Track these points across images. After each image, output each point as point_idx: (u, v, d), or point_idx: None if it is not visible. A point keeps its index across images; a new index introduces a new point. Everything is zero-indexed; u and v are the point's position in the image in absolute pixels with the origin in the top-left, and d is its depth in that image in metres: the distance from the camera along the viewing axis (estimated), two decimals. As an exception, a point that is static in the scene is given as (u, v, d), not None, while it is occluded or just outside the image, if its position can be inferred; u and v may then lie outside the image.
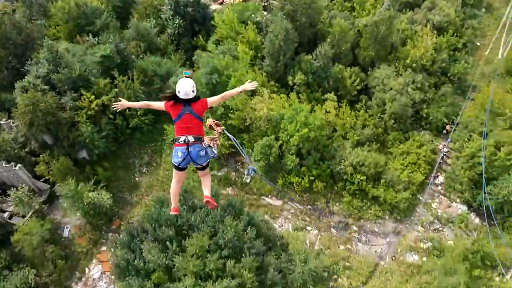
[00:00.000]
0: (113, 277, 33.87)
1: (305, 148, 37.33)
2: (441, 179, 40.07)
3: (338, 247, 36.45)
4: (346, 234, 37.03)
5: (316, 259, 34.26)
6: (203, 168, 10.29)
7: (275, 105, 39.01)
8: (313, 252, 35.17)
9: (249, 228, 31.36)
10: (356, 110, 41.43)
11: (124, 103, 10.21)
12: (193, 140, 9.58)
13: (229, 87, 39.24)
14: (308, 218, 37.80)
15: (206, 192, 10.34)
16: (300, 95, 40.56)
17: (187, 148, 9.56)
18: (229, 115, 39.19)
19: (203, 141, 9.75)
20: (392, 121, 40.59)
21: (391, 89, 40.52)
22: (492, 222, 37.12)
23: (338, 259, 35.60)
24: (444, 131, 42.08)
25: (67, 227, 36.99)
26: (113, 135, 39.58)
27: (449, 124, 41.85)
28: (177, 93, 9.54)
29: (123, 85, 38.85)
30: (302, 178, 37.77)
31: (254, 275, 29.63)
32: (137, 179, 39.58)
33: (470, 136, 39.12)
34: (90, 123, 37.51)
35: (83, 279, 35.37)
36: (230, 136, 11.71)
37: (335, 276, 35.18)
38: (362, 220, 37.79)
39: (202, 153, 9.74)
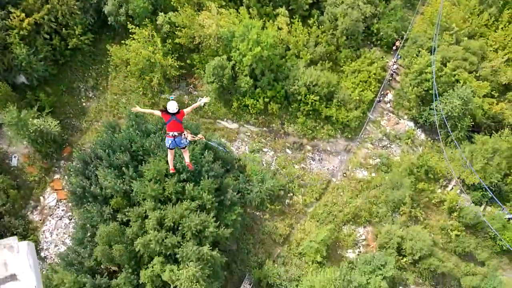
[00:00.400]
0: (70, 204, 33.39)
1: (259, 68, 36.63)
2: (390, 96, 41.16)
3: (293, 166, 37.56)
4: (301, 154, 38.14)
5: (272, 179, 35.41)
6: (183, 148, 16.96)
7: (225, 21, 37.28)
8: (269, 172, 36.14)
9: (206, 152, 31.28)
10: (309, 26, 40.48)
11: (138, 109, 16.91)
12: (177, 134, 16.17)
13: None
14: (264, 140, 38.19)
15: (187, 159, 17.91)
16: (250, 10, 38.78)
17: (174, 139, 16.20)
18: (176, 32, 37.26)
19: (183, 134, 16.23)
20: (344, 37, 40.26)
21: (342, 2, 39.70)
22: (437, 137, 39.44)
23: (293, 178, 36.88)
24: (394, 47, 42.43)
25: (15, 156, 35.32)
26: (51, 57, 36.60)
27: (398, 40, 42.13)
28: (168, 109, 15.95)
29: (55, 0, 35.42)
30: (257, 100, 37.51)
31: (213, 196, 30.20)
32: (84, 104, 37.63)
33: (419, 51, 39.80)
34: (24, 45, 34.34)
35: (38, 207, 34.68)
36: (212, 144, 24.29)
37: (291, 194, 36.73)
38: (315, 140, 38.71)
39: (182, 141, 16.33)
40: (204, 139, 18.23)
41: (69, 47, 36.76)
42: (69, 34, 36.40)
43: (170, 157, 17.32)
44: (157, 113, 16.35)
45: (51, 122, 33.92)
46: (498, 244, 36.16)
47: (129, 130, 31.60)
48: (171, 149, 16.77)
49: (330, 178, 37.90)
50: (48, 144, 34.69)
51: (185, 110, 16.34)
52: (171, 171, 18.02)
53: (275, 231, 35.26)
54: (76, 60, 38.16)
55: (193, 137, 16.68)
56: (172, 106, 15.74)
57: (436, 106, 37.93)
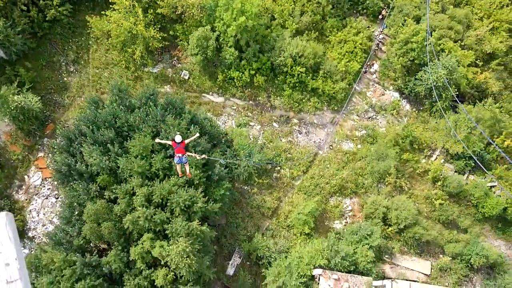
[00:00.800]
0: (55, 182, 32.94)
1: (244, 39, 35.95)
2: (376, 67, 40.98)
3: (280, 140, 37.51)
4: (288, 128, 38.07)
5: (259, 153, 35.43)
6: (185, 163, 24.52)
7: (208, -11, 36.47)
8: (256, 146, 36.08)
9: (192, 127, 30.90)
10: (294, -6, 39.81)
11: (157, 140, 25.20)
12: (181, 155, 23.68)
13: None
14: (250, 114, 37.90)
15: (187, 171, 25.42)
16: (233, -23, 37.85)
17: (179, 158, 23.76)
18: (157, 2, 36.24)
19: (184, 155, 23.99)
20: (330, 6, 39.65)
21: (327, -32, 38.97)
22: (421, 108, 39.64)
23: (280, 152, 36.86)
24: (380, 16, 41.98)
25: (-4, 135, 34.62)
26: (29, 29, 35.37)
27: (384, 8, 41.65)
28: (175, 140, 23.19)
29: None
30: (243, 73, 36.97)
31: (201, 171, 30.11)
32: (65, 79, 36.64)
33: (405, 20, 39.45)
34: (0, 17, 33.11)
35: (23, 187, 34.17)
36: (212, 158, 29.51)
37: (278, 168, 36.84)
38: (302, 113, 38.54)
39: (184, 159, 24.09)
40: (206, 157, 26.76)
41: (47, 19, 35.49)
42: (47, 5, 35.09)
43: (178, 168, 25.03)
44: (169, 142, 24.25)
45: (32, 98, 33.07)
46: (480, 212, 37.15)
47: (112, 105, 30.94)
48: (178, 163, 24.45)
49: (316, 151, 38.00)
50: (30, 121, 33.90)
51: (186, 141, 23.90)
52: (180, 176, 26.88)
53: (263, 205, 35.53)
54: (55, 32, 36.98)
55: (199, 156, 26.11)
56: (178, 139, 23.29)
57: (421, 76, 37.99)
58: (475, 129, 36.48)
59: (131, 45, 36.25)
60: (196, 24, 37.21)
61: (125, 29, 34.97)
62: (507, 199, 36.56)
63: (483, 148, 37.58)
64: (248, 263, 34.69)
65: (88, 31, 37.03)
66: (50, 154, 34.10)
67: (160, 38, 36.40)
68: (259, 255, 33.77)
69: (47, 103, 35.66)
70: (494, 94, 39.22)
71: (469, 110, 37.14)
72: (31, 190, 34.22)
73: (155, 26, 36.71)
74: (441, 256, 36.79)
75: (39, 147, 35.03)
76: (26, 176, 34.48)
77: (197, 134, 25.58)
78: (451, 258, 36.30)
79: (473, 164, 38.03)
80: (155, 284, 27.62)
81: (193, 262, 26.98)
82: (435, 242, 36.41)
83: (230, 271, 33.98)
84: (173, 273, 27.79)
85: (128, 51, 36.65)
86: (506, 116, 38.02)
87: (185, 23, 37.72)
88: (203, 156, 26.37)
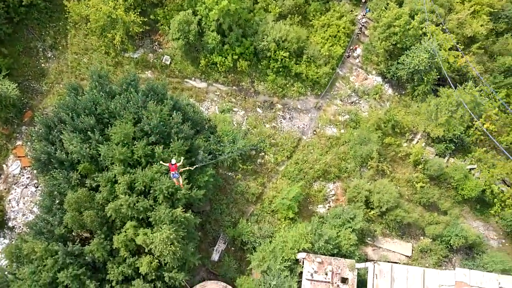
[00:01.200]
0: (35, 171, 32.35)
1: (226, 23, 35.46)
2: (359, 51, 40.91)
3: (264, 125, 37.41)
4: (271, 113, 37.96)
5: (243, 139, 35.27)
6: (178, 177, 27.98)
7: (188, -29, 35.80)
8: (240, 132, 35.90)
9: (174, 113, 30.57)
10: (276, -22, 39.25)
11: (160, 162, 29.02)
12: (174, 172, 27.50)
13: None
14: (234, 99, 37.61)
15: (181, 182, 28.49)
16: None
17: (173, 174, 27.58)
18: (138, -15, 35.61)
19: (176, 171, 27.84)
20: (313, -11, 39.38)
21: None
22: (403, 92, 39.82)
23: (265, 137, 36.73)
24: (363, 0, 41.81)
25: (-28, 124, 33.74)
26: (5, 15, 34.55)
27: (367, -9, 41.56)
28: (171, 162, 27.32)
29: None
30: (226, 58, 36.53)
31: (184, 158, 29.90)
32: (43, 65, 35.78)
33: (387, 4, 39.31)
34: (-26, 3, 32.31)
35: (2, 176, 33.56)
36: (200, 164, 30.94)
37: (262, 153, 36.77)
38: (286, 98, 38.40)
39: (177, 174, 27.70)
40: (198, 166, 30.06)
41: (23, 3, 34.65)
42: (23, -11, 34.23)
43: (174, 180, 28.01)
44: (167, 165, 27.65)
45: (9, 85, 32.34)
46: (460, 194, 37.75)
47: (92, 92, 30.40)
48: (173, 177, 27.74)
49: (300, 136, 38.02)
50: (7, 109, 33.15)
51: (178, 164, 27.27)
52: (176, 184, 28.62)
53: (247, 190, 35.55)
54: (31, 17, 36.09)
55: (192, 167, 28.95)
56: (173, 161, 26.97)
57: (403, 60, 38.11)
58: (456, 113, 36.84)
59: (111, 30, 35.53)
60: (177, 8, 36.68)
61: (104, 13, 34.25)
62: (485, 182, 37.23)
63: (463, 131, 38.06)
64: (232, 248, 34.82)
65: (66, 15, 36.19)
66: (28, 142, 33.47)
67: (140, 22, 35.75)
68: (243, 241, 33.90)
69: (24, 90, 34.89)
70: (475, 77, 39.53)
71: (450, 94, 37.42)
72: (10, 179, 33.60)
73: (135, 10, 36.02)
74: (422, 238, 37.43)
75: (17, 135, 34.35)
76: (4, 165, 33.83)
77: (182, 158, 28.47)
78: (431, 239, 36.95)
79: (453, 147, 38.54)
80: (139, 271, 27.56)
81: (178, 249, 27.04)
82: (416, 224, 36.99)
83: (215, 257, 34.07)
84: (157, 260, 27.80)
85: (108, 36, 35.92)
86: (485, 100, 38.38)
87: (166, 7, 37.16)
88: (195, 166, 29.37)
